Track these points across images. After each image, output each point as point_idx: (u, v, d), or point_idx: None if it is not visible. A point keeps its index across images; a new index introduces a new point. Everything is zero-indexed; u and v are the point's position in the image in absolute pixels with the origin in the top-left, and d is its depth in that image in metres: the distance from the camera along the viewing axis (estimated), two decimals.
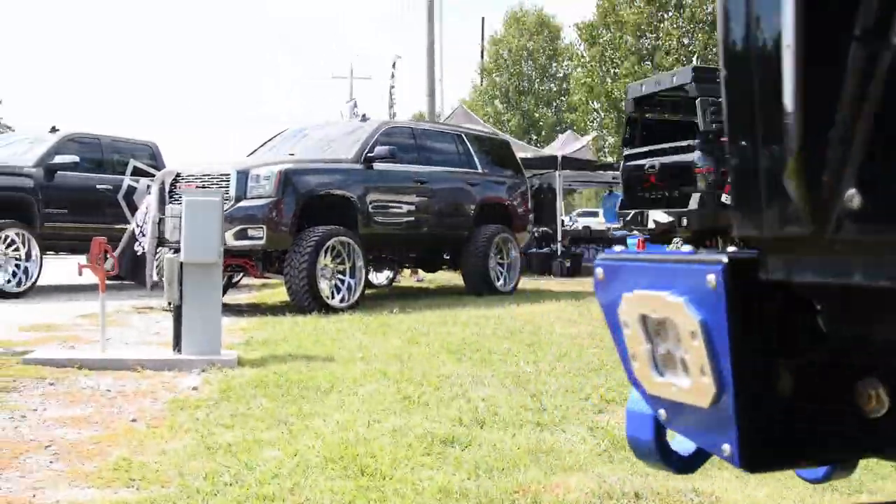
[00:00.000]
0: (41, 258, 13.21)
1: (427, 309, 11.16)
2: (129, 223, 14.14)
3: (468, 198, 13.91)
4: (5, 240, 12.69)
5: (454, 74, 68.57)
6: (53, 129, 14.50)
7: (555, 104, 33.33)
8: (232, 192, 10.97)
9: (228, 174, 11.05)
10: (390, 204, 12.46)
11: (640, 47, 20.75)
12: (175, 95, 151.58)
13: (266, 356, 7.34)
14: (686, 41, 19.99)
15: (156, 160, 15.52)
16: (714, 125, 10.07)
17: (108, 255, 7.52)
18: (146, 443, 4.73)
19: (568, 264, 20.70)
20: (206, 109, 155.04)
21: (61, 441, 4.75)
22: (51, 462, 4.39)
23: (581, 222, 31.99)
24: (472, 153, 14.34)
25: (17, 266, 12.90)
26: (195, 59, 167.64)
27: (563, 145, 23.23)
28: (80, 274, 7.83)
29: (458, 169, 13.91)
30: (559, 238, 20.90)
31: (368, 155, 12.21)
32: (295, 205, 11.10)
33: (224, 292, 13.04)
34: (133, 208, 14.37)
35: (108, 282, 16.65)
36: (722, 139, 10.15)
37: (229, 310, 11.22)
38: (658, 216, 10.77)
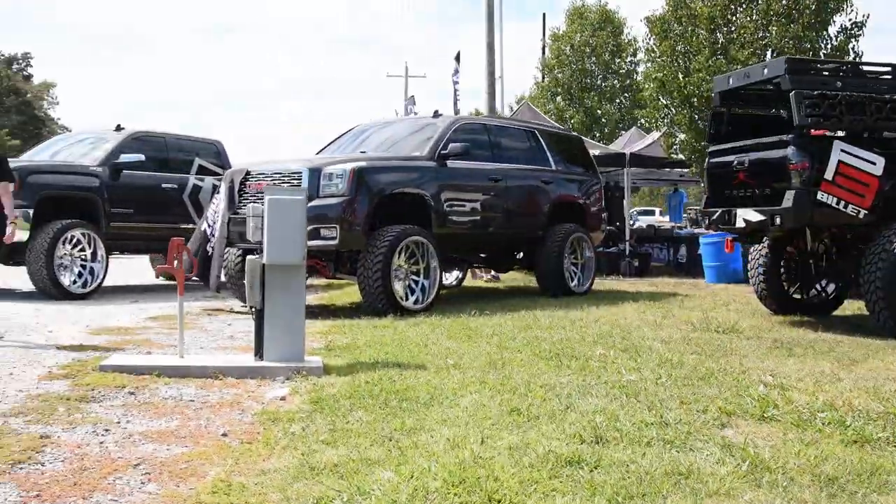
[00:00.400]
0: (107, 259, 12.94)
1: (505, 311, 10.72)
2: (194, 223, 13.91)
3: (542, 196, 13.46)
4: (71, 240, 12.43)
5: (511, 71, 68.12)
6: (118, 128, 14.25)
7: (618, 101, 32.77)
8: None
9: (300, 172, 10.68)
10: (464, 202, 12.03)
11: (714, 41, 20.14)
12: (227, 94, 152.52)
13: (352, 363, 6.94)
14: (761, 34, 19.36)
15: (221, 159, 15.23)
16: (809, 119, 9.53)
17: (187, 256, 7.15)
18: (242, 461, 4.34)
19: (636, 264, 20.19)
20: (257, 109, 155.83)
21: (151, 459, 4.38)
22: (143, 483, 4.02)
23: (640, 221, 31.42)
24: (546, 150, 13.88)
25: (83, 267, 12.65)
26: (246, 57, 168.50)
27: (629, 142, 22.69)
28: (158, 276, 7.42)
29: (532, 166, 13.46)
30: (627, 237, 20.35)
31: (442, 152, 11.79)
32: (368, 203, 10.71)
33: None
34: (198, 208, 14.11)
35: (166, 282, 16.46)
36: (816, 133, 9.64)
37: None
38: (749, 214, 10.22)
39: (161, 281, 16.91)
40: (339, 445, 4.51)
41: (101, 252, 12.76)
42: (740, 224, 10.51)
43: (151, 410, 5.42)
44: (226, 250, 11.46)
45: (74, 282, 12.52)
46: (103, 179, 13.11)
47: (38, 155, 14.55)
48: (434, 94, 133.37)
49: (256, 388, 6.19)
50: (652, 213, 43.07)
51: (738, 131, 11.16)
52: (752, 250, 11.85)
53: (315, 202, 10.48)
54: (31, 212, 12.14)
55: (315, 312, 11.49)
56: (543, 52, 33.91)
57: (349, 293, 13.88)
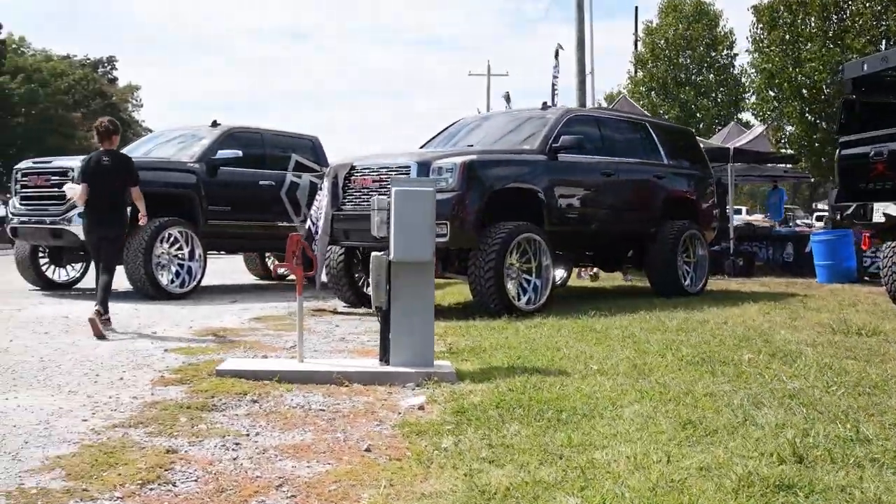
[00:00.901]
0: (204, 257, 12.58)
1: (623, 312, 10.09)
2: (291, 221, 13.50)
3: (655, 192, 12.79)
4: (168, 238, 12.09)
5: (601, 65, 67.25)
6: (214, 124, 13.90)
7: (714, 95, 31.83)
8: None
9: (408, 166, 10.17)
10: (576, 198, 11.42)
11: (826, 29, 19.22)
12: (305, 96, 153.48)
13: (485, 368, 6.40)
14: (877, 21, 18.41)
15: (317, 155, 14.81)
16: None
17: (307, 254, 6.68)
18: (397, 482, 3.82)
19: (741, 263, 19.39)
20: (334, 110, 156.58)
21: (293, 479, 3.88)
22: None
23: (734, 219, 30.34)
24: (658, 144, 13.20)
25: (181, 266, 12.30)
26: (323, 59, 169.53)
27: (728, 138, 21.84)
28: (276, 274, 6.97)
29: (644, 161, 12.80)
30: (731, 235, 19.54)
31: (553, 145, 11.18)
32: (479, 199, 10.16)
33: None
34: (296, 205, 13.70)
35: (262, 281, 16.09)
36: None
37: None
38: (890, 209, 9.50)
39: (255, 280, 16.59)
40: (503, 464, 3.96)
41: (198, 251, 12.40)
42: (878, 219, 9.79)
43: (280, 421, 4.93)
44: (329, 248, 11.04)
45: (172, 281, 12.17)
46: (200, 176, 12.76)
47: (133, 152, 14.26)
48: (520, 93, 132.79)
49: (387, 395, 5.68)
50: (739, 211, 41.90)
51: (871, 120, 10.43)
52: (884, 247, 11.08)
53: None
54: (128, 209, 11.79)
55: None
56: (636, 47, 33.10)
57: (452, 293, 13.36)
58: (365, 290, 11.75)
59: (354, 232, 10.62)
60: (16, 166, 12.93)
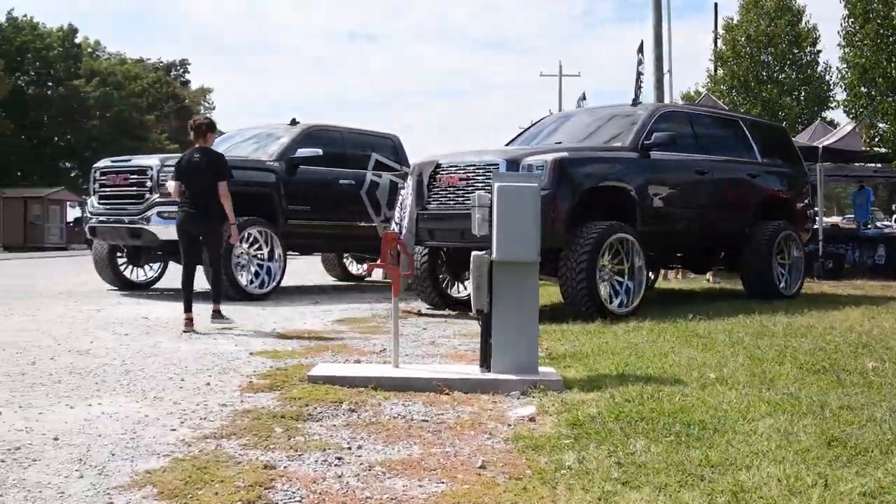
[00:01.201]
0: (284, 257, 12.32)
1: (721, 316, 9.57)
2: (372, 221, 13.20)
3: (749, 191, 12.26)
4: (248, 238, 11.83)
5: (676, 65, 66.31)
6: (293, 122, 13.65)
7: (797, 93, 30.91)
8: None
9: (496, 164, 9.78)
10: (669, 197, 10.90)
11: None
12: (378, 93, 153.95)
13: (592, 376, 5.99)
14: None
15: (397, 154, 14.50)
16: None
17: (403, 254, 6.33)
18: None
19: (830, 265, 18.72)
20: (408, 109, 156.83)
21: (408, 501, 3.51)
22: None
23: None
24: (751, 141, 12.65)
25: (260, 266, 12.04)
26: (393, 57, 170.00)
27: (813, 136, 21.11)
28: (370, 274, 6.65)
29: (737, 158, 12.27)
30: (820, 237, 18.85)
31: (645, 142, 10.71)
32: (570, 198, 9.74)
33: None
34: (376, 205, 13.40)
35: (340, 282, 15.82)
36: None
37: None
38: None
39: (333, 281, 16.32)
40: (639, 486, 3.55)
41: (278, 251, 12.14)
42: None
43: (382, 433, 4.56)
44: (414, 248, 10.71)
45: (251, 282, 11.92)
46: (279, 175, 12.50)
47: (219, 149, 14.07)
48: (592, 94, 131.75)
49: (492, 404, 5.29)
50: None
51: None
52: None
53: None
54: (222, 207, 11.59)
55: None
56: (716, 44, 32.32)
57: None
58: (449, 291, 11.41)
59: (440, 231, 10.28)
60: (95, 165, 12.79)
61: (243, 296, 11.64)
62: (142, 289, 13.41)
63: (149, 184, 11.73)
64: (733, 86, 30.83)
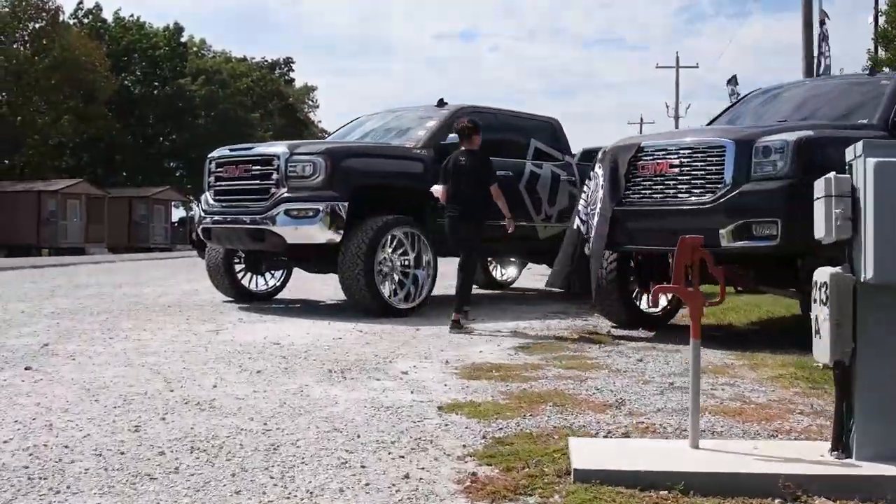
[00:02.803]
0: (434, 264, 10.20)
1: None
2: (532, 219, 11.07)
3: None
4: (391, 241, 9.76)
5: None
6: (441, 103, 11.55)
7: None
8: (728, 171, 7.53)
9: (722, 146, 7.57)
10: None
11: None
12: (487, 92, 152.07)
13: None
14: None
15: (558, 141, 12.31)
16: None
17: (713, 273, 4.13)
18: None
19: None
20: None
21: None
22: None
23: None
24: None
25: (405, 274, 9.95)
26: (502, 56, 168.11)
27: None
28: (655, 302, 4.57)
29: None
30: None
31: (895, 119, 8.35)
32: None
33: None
34: (536, 201, 11.25)
35: (484, 290, 13.65)
36: None
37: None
38: None
39: (476, 289, 14.20)
40: None
41: (426, 256, 10.04)
42: None
43: None
44: (605, 254, 8.56)
45: (395, 293, 9.84)
46: (428, 165, 10.38)
47: (346, 137, 12.03)
48: (709, 86, 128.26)
49: None
50: None
51: None
52: None
53: (746, 187, 7.40)
54: (343, 206, 9.53)
55: (716, 338, 8.35)
56: (876, 24, 29.47)
57: (735, 308, 10.58)
58: (639, 305, 9.22)
59: (643, 232, 8.12)
60: (210, 155, 10.83)
61: (385, 310, 9.60)
62: (261, 300, 11.46)
63: (275, 176, 9.70)
64: None
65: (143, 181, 60.74)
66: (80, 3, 65.25)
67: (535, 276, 16.14)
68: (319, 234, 9.48)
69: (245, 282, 11.44)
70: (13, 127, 53.76)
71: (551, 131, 12.29)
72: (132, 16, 67.43)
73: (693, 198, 7.69)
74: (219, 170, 10.42)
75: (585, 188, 8.76)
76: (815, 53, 23.54)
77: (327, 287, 13.12)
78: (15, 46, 55.02)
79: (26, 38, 56.11)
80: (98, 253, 43.85)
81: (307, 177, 9.55)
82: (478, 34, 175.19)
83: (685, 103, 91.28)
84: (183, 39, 69.28)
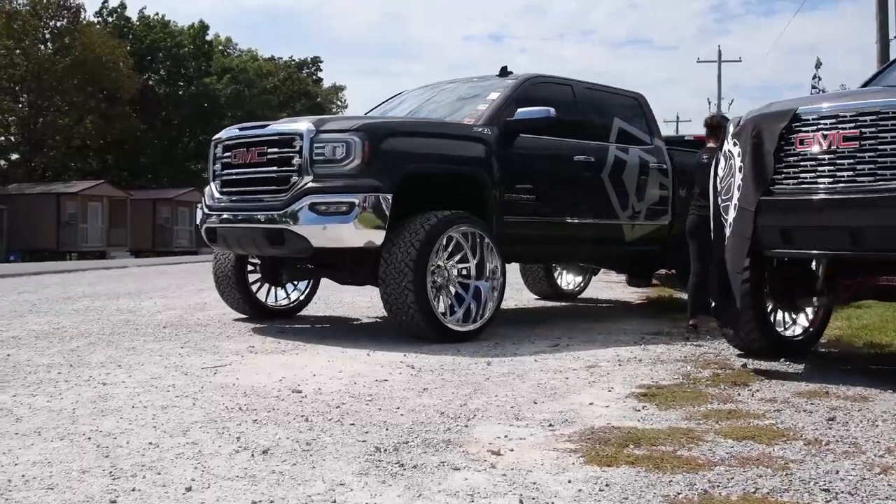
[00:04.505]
0: (503, 272, 7.93)
1: None
2: (616, 217, 8.85)
3: None
4: (446, 245, 7.51)
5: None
6: (504, 72, 9.29)
7: None
8: None
9: None
10: None
11: None
12: None
13: None
14: None
15: (645, 120, 10.01)
16: None
17: None
18: None
19: None
20: None
21: None
22: None
23: None
24: None
25: (464, 287, 7.69)
26: (532, 58, 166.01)
27: None
28: None
29: None
30: None
31: None
32: None
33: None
34: (622, 194, 8.98)
35: (548, 302, 11.37)
36: None
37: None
38: None
39: (537, 299, 11.93)
40: None
41: (491, 263, 7.78)
42: None
43: None
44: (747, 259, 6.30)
45: (451, 310, 7.58)
46: (491, 147, 8.12)
47: (392, 112, 9.73)
48: (755, 79, 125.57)
49: None
50: None
51: None
52: None
53: None
54: (386, 199, 7.29)
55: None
56: None
57: (857, 317, 8.27)
58: (776, 327, 6.94)
59: (808, 232, 5.86)
60: (215, 136, 8.61)
61: (440, 333, 7.35)
62: (282, 318, 9.24)
63: (297, 161, 7.44)
64: None
65: (167, 183, 58.97)
66: (105, 1, 63.77)
67: (607, 284, 13.94)
68: (355, 235, 7.23)
69: (262, 295, 9.22)
70: (34, 129, 52.20)
71: (637, 108, 9.99)
72: (156, 14, 65.76)
73: (880, 182, 5.41)
74: (226, 155, 8.18)
75: (720, 172, 6.50)
76: (892, 36, 21.85)
77: (362, 296, 10.92)
78: (35, 45, 53.41)
79: (47, 36, 54.54)
80: (120, 257, 41.93)
81: (339, 161, 7.31)
82: (506, 35, 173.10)
83: (727, 100, 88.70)
84: (208, 38, 67.57)
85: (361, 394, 5.17)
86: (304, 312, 9.60)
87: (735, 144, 6.25)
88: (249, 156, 7.85)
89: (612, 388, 5.51)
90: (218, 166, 8.27)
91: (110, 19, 63.76)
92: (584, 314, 10.32)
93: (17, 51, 51.57)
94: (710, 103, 56.47)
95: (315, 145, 7.35)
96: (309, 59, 77.48)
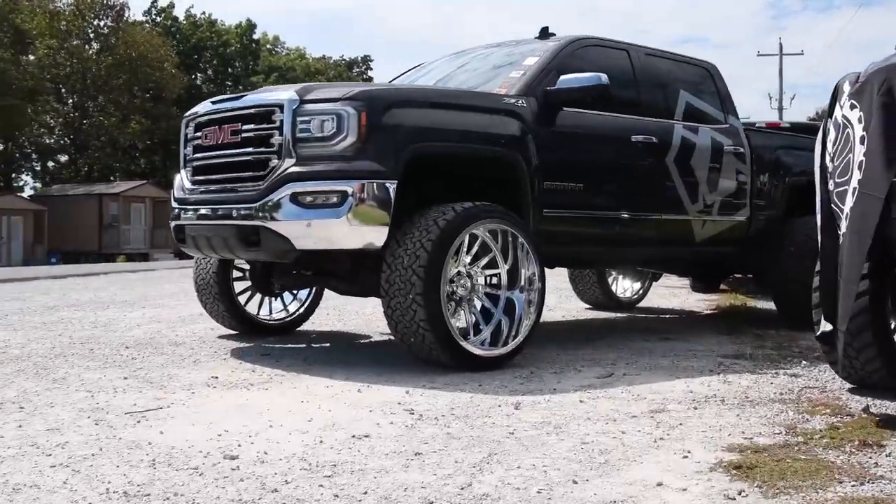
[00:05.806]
0: (542, 282, 6.24)
1: None
2: (685, 212, 7.15)
3: None
4: (469, 246, 5.85)
5: None
6: (546, 33, 7.62)
7: None
8: None
9: None
10: None
11: None
12: None
13: None
14: None
15: (717, 93, 8.28)
16: None
17: None
18: None
19: None
20: None
21: None
22: None
23: None
24: None
25: (493, 299, 6.02)
26: None
27: None
28: None
29: None
30: None
31: None
32: None
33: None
34: (691, 182, 7.29)
35: (600, 313, 9.67)
36: None
37: None
38: None
39: (587, 309, 10.25)
40: None
41: (527, 270, 6.11)
42: None
43: None
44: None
45: (476, 329, 5.92)
46: (527, 123, 6.44)
47: (419, 80, 8.02)
48: (814, 73, 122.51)
49: None
50: None
51: None
52: None
53: None
54: (391, 186, 5.63)
55: None
56: None
57: None
58: None
59: None
60: (187, 113, 7.05)
61: (459, 359, 5.70)
62: (278, 333, 7.65)
63: (277, 139, 5.81)
64: None
65: None
66: (154, 1, 63.15)
67: (668, 289, 12.24)
68: (348, 234, 5.60)
69: (254, 307, 7.63)
70: (80, 129, 51.51)
71: (709, 80, 8.27)
72: (204, 13, 64.96)
73: None
74: (197, 135, 6.59)
75: (831, 150, 4.80)
76: None
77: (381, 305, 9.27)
78: (80, 45, 52.75)
79: (91, 35, 53.84)
80: (163, 259, 40.77)
81: (328, 139, 5.67)
82: (562, 33, 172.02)
83: (788, 94, 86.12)
84: (256, 36, 66.62)
85: (322, 463, 3.54)
86: (307, 326, 8.01)
87: (853, 108, 4.54)
88: (222, 135, 6.25)
89: (688, 451, 3.82)
90: (189, 150, 6.68)
91: (158, 19, 63.05)
92: (643, 329, 8.61)
93: (62, 51, 50.85)
94: (770, 98, 54.23)
95: (299, 119, 5.73)
96: (359, 58, 76.36)
